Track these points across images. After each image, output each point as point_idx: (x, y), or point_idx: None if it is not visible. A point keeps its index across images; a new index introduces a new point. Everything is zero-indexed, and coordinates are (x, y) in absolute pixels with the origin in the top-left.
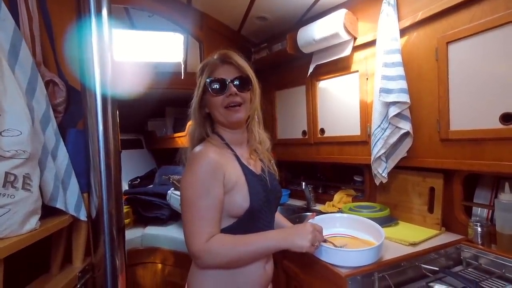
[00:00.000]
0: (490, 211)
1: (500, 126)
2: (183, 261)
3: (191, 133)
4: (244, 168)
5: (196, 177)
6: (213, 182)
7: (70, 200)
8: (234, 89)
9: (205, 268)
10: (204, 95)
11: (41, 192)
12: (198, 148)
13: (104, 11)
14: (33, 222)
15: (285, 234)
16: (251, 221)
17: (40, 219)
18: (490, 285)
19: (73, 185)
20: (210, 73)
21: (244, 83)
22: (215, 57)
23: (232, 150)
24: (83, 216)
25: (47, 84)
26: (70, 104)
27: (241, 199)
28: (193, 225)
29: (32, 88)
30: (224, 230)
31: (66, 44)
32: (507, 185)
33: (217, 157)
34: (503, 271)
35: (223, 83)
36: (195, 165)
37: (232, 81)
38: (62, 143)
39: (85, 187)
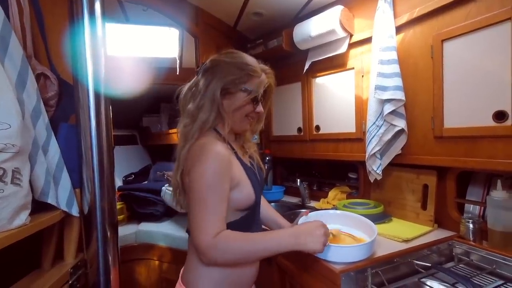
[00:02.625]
0: (482, 208)
1: (493, 123)
2: (177, 257)
3: (207, 120)
4: (242, 163)
5: (208, 171)
6: (223, 176)
7: (62, 195)
8: (262, 108)
9: (210, 265)
10: (240, 93)
11: (31, 187)
12: (205, 140)
13: (97, 4)
14: (23, 217)
15: (298, 235)
16: (254, 214)
17: (31, 214)
18: (481, 281)
19: (65, 180)
20: (259, 86)
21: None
22: (265, 70)
23: (230, 146)
24: (75, 212)
25: (38, 77)
26: (62, 98)
27: (247, 193)
28: (202, 218)
29: (23, 81)
30: (231, 224)
31: (58, 37)
32: (499, 182)
33: (227, 152)
34: (494, 267)
35: (260, 99)
36: (207, 158)
37: (261, 100)
38: (53, 137)
39: (77, 183)
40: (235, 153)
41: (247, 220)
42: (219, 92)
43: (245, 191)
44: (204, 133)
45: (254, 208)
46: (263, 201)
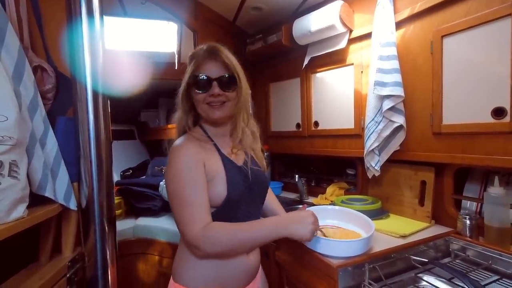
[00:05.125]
0: (479, 204)
1: (491, 120)
2: (174, 252)
3: (178, 122)
4: (224, 159)
5: (178, 169)
6: (195, 171)
7: (59, 189)
8: (218, 89)
9: (202, 258)
10: (189, 87)
11: (29, 180)
12: (178, 141)
13: None
14: (21, 210)
15: (287, 222)
16: (231, 211)
17: (28, 207)
18: (477, 276)
19: (63, 173)
20: (196, 68)
21: (229, 83)
22: (204, 49)
23: (213, 142)
24: (73, 205)
25: (35, 69)
26: (60, 91)
27: (219, 189)
28: (184, 214)
29: (19, 73)
30: None
31: (56, 29)
32: (496, 178)
33: (197, 149)
34: (490, 262)
35: (207, 81)
36: (175, 158)
37: (216, 80)
38: (51, 131)
39: (75, 176)
40: (218, 149)
41: (218, 218)
42: (183, 92)
43: (216, 187)
44: (187, 132)
45: (228, 206)
46: (269, 193)
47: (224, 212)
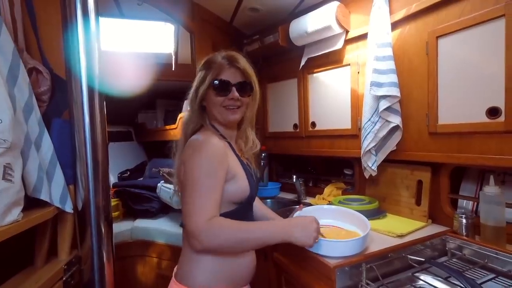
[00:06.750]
0: (475, 203)
1: (486, 120)
2: (173, 253)
3: (186, 123)
4: (239, 159)
5: (204, 159)
6: (219, 165)
7: (55, 191)
8: (237, 94)
9: (201, 252)
10: (207, 90)
11: (24, 183)
12: (201, 135)
13: None
14: (15, 213)
15: (290, 228)
16: (248, 208)
17: (24, 210)
18: (474, 275)
19: (58, 176)
20: (217, 74)
21: (246, 89)
22: (223, 56)
23: (227, 141)
24: (68, 208)
25: (30, 71)
26: (55, 93)
27: (243, 186)
28: (196, 203)
29: (14, 75)
30: (223, 215)
31: (51, 31)
32: (491, 177)
33: (222, 145)
34: (486, 261)
35: (227, 85)
36: (203, 148)
37: (235, 85)
38: (46, 133)
39: (71, 179)
40: (233, 149)
41: (239, 213)
42: (196, 95)
43: (241, 184)
44: (201, 130)
45: (247, 203)
46: (256, 199)
47: (244, 209)
